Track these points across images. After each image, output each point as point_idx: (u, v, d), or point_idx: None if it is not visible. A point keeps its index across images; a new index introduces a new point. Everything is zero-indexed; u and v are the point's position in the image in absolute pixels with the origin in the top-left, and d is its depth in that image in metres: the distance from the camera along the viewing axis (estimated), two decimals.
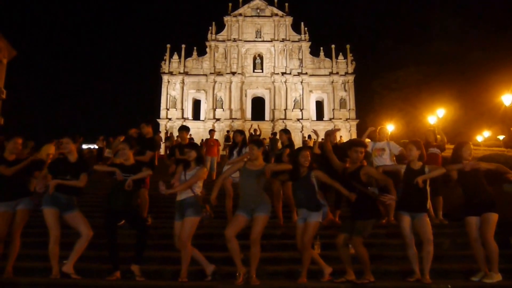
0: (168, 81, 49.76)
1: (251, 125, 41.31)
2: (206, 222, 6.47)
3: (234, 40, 50.65)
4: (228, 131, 35.28)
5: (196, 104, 51.61)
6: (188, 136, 9.53)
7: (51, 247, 6.06)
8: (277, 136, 27.02)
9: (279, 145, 9.69)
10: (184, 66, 50.21)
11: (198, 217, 6.07)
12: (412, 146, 6.25)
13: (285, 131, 9.50)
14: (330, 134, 7.98)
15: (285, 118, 48.07)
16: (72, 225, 6.27)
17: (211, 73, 49.76)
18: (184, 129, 9.50)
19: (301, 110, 48.97)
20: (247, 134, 34.75)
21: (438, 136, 9.76)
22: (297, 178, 6.14)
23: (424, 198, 6.11)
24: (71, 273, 6.03)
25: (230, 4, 51.83)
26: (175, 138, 19.30)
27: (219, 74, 49.72)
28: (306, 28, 51.38)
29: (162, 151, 24.44)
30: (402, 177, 6.20)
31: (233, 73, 49.69)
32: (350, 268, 5.97)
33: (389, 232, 8.21)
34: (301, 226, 6.04)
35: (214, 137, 17.44)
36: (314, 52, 51.39)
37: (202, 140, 21.27)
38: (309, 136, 35.54)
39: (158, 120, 47.95)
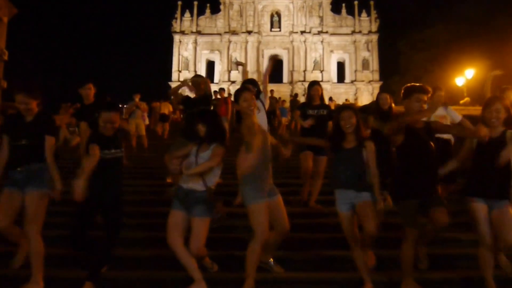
0: (180, 41, 47.36)
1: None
2: (215, 226, 4.52)
3: None
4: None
5: (210, 65, 49.14)
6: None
7: None
8: (298, 98, 25.47)
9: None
10: (197, 24, 47.59)
11: (209, 218, 4.38)
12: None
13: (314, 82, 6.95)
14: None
15: (304, 80, 45.24)
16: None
17: (225, 32, 47.13)
18: (199, 77, 7.48)
19: (321, 71, 46.41)
20: None
21: None
22: (338, 149, 4.50)
23: (507, 179, 4.21)
24: None
25: None
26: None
27: (234, 33, 47.07)
28: None
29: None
30: (475, 150, 4.34)
31: (249, 32, 46.97)
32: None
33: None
34: (348, 215, 4.36)
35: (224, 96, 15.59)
36: (336, 9, 48.26)
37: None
38: (330, 99, 33.53)
39: (169, 83, 45.62)
